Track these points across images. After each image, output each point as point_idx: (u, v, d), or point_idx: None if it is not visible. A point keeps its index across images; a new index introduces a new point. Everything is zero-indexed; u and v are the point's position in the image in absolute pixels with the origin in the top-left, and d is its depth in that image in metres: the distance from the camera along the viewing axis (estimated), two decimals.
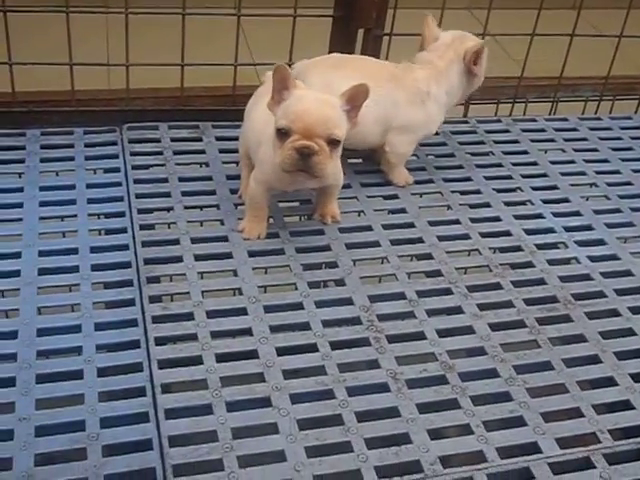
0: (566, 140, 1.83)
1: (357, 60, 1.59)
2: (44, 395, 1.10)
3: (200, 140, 1.66)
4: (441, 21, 1.75)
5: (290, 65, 1.51)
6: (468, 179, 1.66)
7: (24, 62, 1.60)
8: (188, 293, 1.29)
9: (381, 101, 1.48)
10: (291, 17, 1.68)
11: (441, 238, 1.47)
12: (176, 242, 1.39)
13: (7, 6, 1.54)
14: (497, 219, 1.55)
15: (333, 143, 1.27)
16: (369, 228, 1.48)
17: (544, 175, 1.70)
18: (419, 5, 2.21)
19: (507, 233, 1.51)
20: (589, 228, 1.55)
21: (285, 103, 1.28)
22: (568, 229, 1.54)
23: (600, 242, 1.52)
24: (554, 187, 1.66)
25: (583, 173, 1.72)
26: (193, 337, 1.21)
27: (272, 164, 1.31)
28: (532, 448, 1.11)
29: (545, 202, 1.61)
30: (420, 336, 1.26)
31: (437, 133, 1.70)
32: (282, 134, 1.26)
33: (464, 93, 1.60)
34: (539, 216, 1.57)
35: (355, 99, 1.29)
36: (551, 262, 1.45)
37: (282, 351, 1.20)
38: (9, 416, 1.07)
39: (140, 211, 1.45)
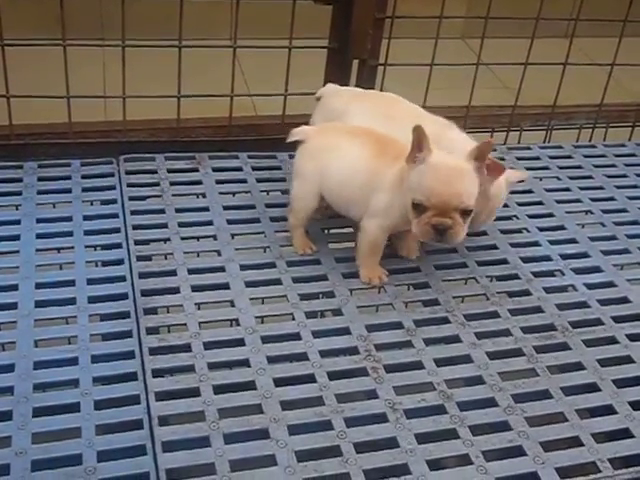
0: (561, 168, 1.84)
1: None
2: (41, 429, 1.09)
3: (197, 171, 1.67)
4: (435, 51, 1.77)
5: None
6: None
7: (22, 95, 1.61)
8: (185, 325, 1.29)
9: None
10: (286, 49, 1.69)
11: (438, 267, 1.48)
12: (173, 273, 1.39)
13: (5, 39, 1.55)
14: (494, 247, 1.55)
15: (467, 213, 1.28)
16: None
17: (540, 203, 1.70)
18: (413, 35, 2.24)
19: (504, 261, 1.51)
20: (585, 255, 1.55)
21: (419, 169, 1.27)
22: (564, 257, 1.54)
23: (596, 269, 1.52)
24: (550, 215, 1.67)
25: (578, 200, 1.73)
26: (190, 369, 1.21)
27: (400, 208, 1.32)
28: (532, 478, 1.10)
29: (541, 230, 1.61)
30: (418, 365, 1.26)
31: None
32: (417, 206, 1.28)
33: None
34: (535, 244, 1.57)
35: (482, 156, 1.29)
36: (548, 290, 1.45)
37: (280, 382, 1.20)
38: (5, 450, 1.06)
39: (137, 242, 1.45)
